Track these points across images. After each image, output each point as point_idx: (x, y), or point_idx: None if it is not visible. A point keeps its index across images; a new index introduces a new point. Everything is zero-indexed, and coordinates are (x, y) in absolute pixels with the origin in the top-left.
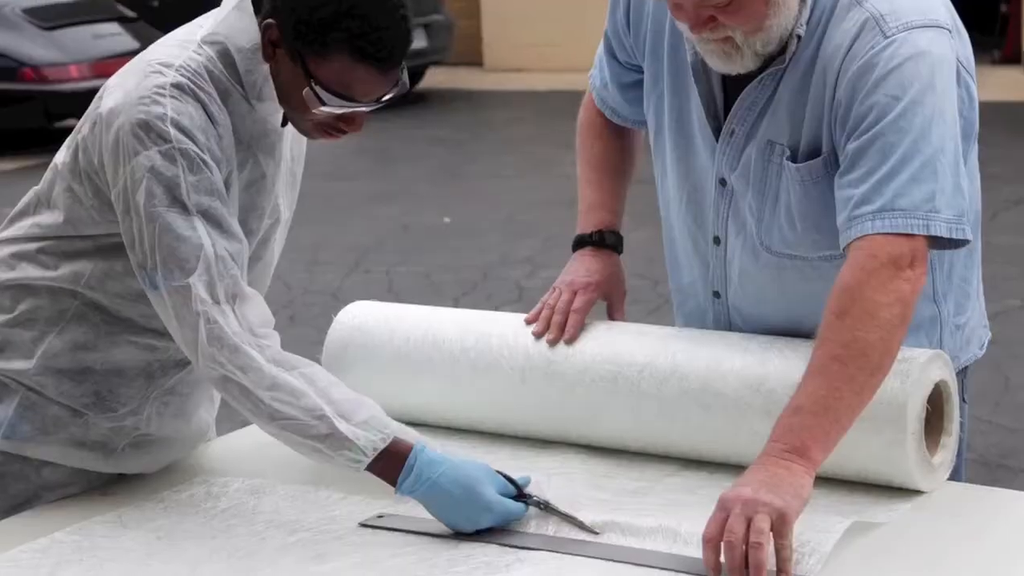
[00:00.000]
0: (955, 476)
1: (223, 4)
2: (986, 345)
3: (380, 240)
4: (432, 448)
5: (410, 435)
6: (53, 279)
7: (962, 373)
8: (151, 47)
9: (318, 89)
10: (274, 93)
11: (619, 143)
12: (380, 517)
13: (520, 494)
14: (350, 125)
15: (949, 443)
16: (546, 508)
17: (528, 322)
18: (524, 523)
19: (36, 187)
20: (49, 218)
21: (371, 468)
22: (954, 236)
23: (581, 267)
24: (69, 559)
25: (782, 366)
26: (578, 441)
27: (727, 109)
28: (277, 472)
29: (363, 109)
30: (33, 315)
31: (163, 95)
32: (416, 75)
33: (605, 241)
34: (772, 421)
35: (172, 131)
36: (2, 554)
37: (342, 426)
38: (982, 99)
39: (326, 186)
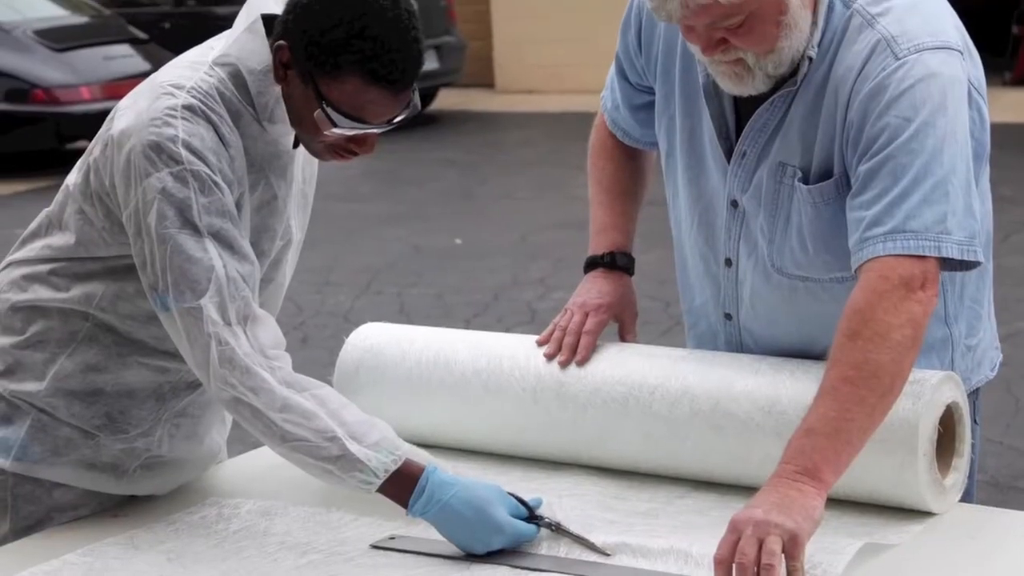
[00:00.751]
0: (966, 497)
1: (235, 26)
2: (997, 367)
3: (391, 262)
4: (444, 469)
5: (421, 456)
6: (64, 301)
7: (973, 395)
8: (163, 69)
9: (330, 111)
10: (286, 115)
11: (631, 164)
12: (392, 539)
13: (531, 515)
14: (362, 147)
15: (961, 465)
16: (557, 529)
17: (539, 344)
18: (535, 545)
19: (48, 209)
20: (61, 240)
21: (382, 490)
22: (965, 258)
23: (593, 288)
24: None
25: (793, 388)
26: (589, 462)
27: (739, 131)
28: (288, 494)
29: (375, 131)
30: (44, 337)
31: (174, 117)
32: (427, 97)
33: (616, 263)
34: (783, 443)
35: (183, 152)
36: None
37: (353, 447)
38: (993, 121)
39: (337, 208)
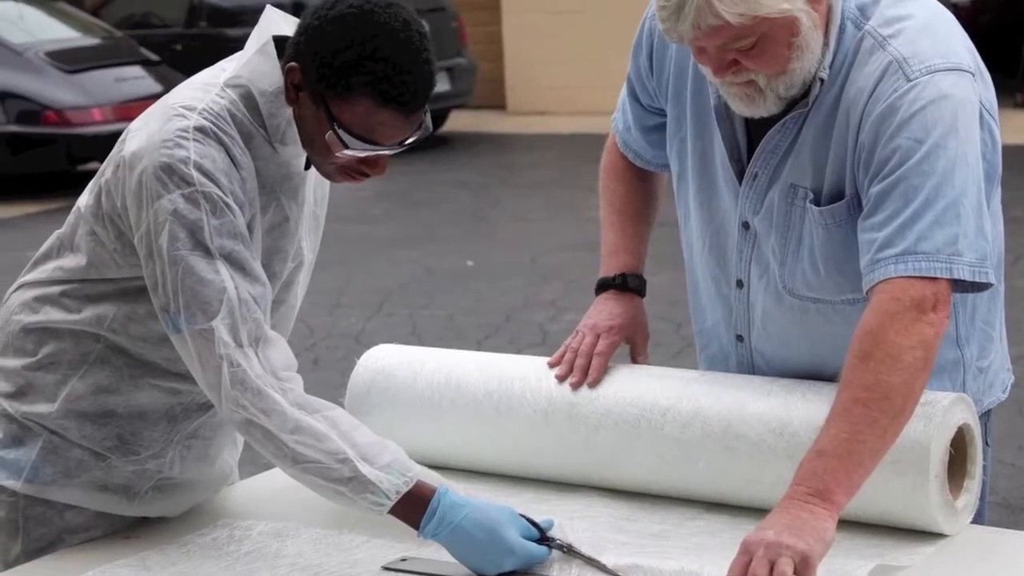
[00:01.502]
0: (978, 519)
1: (246, 47)
2: (1009, 388)
3: (403, 283)
4: (455, 491)
5: (433, 478)
6: (76, 322)
7: (985, 416)
8: (174, 90)
9: (341, 132)
10: (297, 136)
11: (642, 186)
12: (403, 560)
13: (543, 537)
14: (373, 168)
15: (972, 486)
16: (569, 551)
17: (551, 365)
18: (547, 566)
19: (59, 230)
20: (72, 261)
21: (394, 511)
22: (977, 279)
23: (604, 310)
24: None
25: (805, 409)
26: (601, 484)
27: (750, 152)
28: (300, 515)
29: (386, 152)
30: (56, 358)
31: (186, 138)
32: (439, 118)
33: (628, 284)
34: (795, 465)
35: (195, 174)
36: None
37: (365, 469)
38: (1005, 142)
39: (349, 229)
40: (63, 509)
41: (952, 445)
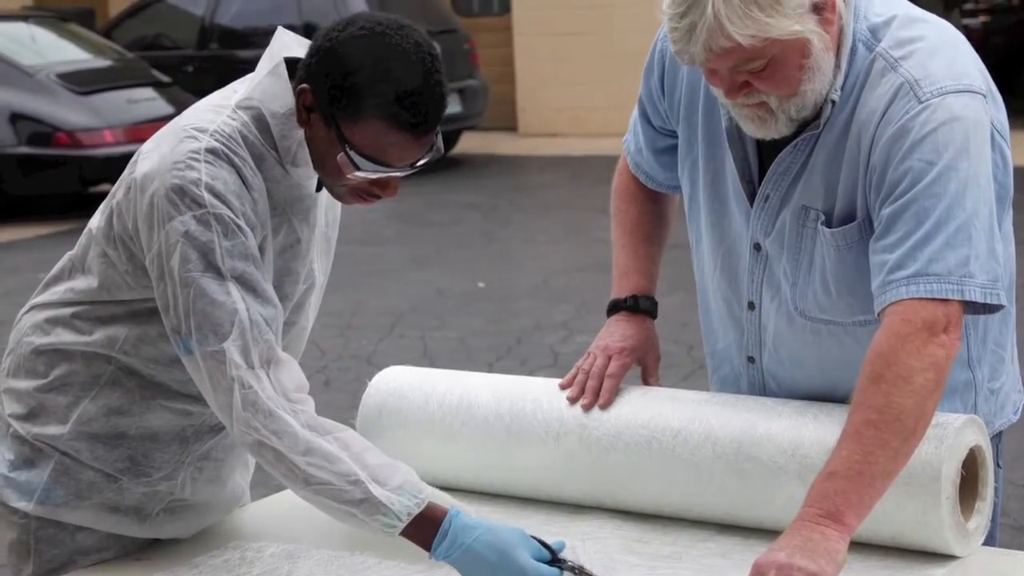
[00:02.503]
0: (989, 541)
1: (257, 69)
2: (1020, 410)
3: (414, 305)
4: (467, 512)
5: (444, 500)
6: (87, 344)
7: (996, 438)
8: (186, 112)
9: (352, 154)
10: (308, 158)
11: (653, 208)
12: None
13: (554, 559)
14: (384, 190)
15: (984, 508)
16: (580, 573)
17: (562, 387)
18: None
19: (70, 252)
20: (83, 283)
21: (406, 533)
22: (988, 301)
23: (616, 332)
24: None
25: (817, 431)
26: (612, 506)
27: (761, 174)
28: (312, 537)
29: (397, 174)
30: (67, 380)
31: (197, 160)
32: (450, 140)
33: (639, 306)
34: (807, 486)
35: (206, 196)
36: None
37: (376, 491)
38: (1016, 164)
39: (360, 251)
40: (75, 531)
41: (963, 467)
